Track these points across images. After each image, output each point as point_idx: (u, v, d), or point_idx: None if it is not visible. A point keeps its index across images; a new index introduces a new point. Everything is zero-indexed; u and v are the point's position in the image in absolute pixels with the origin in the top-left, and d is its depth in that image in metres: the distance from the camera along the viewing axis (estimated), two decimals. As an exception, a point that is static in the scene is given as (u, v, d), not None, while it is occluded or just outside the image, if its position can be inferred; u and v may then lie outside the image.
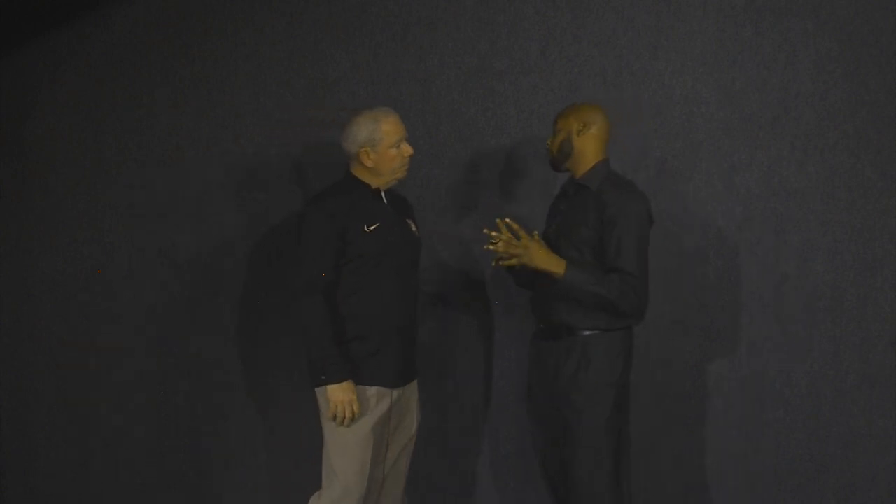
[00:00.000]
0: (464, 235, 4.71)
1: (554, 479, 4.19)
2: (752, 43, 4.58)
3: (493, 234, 3.94)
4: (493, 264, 4.04)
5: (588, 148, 4.05)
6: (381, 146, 4.02)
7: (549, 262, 3.94)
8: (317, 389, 4.02)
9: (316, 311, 3.93)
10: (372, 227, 4.00)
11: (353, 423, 3.98)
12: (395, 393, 4.08)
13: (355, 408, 3.95)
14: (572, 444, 4.00)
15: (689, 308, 4.60)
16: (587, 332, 4.00)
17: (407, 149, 4.06)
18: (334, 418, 3.96)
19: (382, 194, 4.10)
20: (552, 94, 4.64)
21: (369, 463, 4.01)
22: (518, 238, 3.95)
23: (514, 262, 3.96)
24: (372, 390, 4.01)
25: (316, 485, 4.14)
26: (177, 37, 4.72)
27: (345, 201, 4.01)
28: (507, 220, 3.97)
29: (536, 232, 4.01)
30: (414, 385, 4.19)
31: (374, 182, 4.08)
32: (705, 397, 4.63)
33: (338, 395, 3.94)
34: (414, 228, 4.19)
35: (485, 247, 3.97)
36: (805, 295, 4.59)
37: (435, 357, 4.71)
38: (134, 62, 4.73)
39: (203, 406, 4.76)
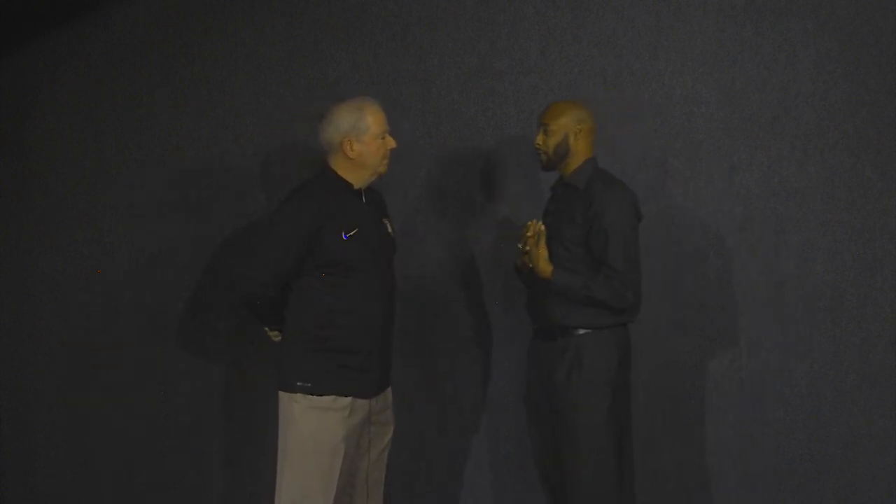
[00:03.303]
0: (463, 236, 4.70)
1: (553, 484, 4.16)
2: (752, 43, 4.57)
3: (529, 233, 4.01)
4: (517, 264, 4.13)
5: (581, 148, 4.08)
6: (367, 136, 3.86)
7: (542, 265, 3.99)
8: (282, 394, 3.90)
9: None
10: (351, 234, 3.86)
11: (326, 436, 3.84)
12: (372, 402, 3.95)
13: None
14: (572, 447, 3.99)
15: (689, 308, 4.60)
16: (581, 332, 4.01)
17: (390, 141, 3.92)
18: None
19: (362, 194, 3.95)
20: (552, 94, 4.63)
21: (337, 475, 3.85)
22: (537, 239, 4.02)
23: (527, 258, 4.03)
24: (346, 400, 3.86)
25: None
26: (177, 37, 4.72)
27: (326, 203, 3.85)
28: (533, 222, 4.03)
29: (543, 227, 4.02)
30: (388, 392, 4.05)
31: (354, 178, 3.91)
32: (705, 397, 4.63)
33: None
34: (389, 229, 4.05)
35: (519, 245, 4.04)
36: (805, 295, 4.59)
37: (434, 358, 4.71)
38: (134, 62, 4.73)
39: (203, 406, 4.76)
